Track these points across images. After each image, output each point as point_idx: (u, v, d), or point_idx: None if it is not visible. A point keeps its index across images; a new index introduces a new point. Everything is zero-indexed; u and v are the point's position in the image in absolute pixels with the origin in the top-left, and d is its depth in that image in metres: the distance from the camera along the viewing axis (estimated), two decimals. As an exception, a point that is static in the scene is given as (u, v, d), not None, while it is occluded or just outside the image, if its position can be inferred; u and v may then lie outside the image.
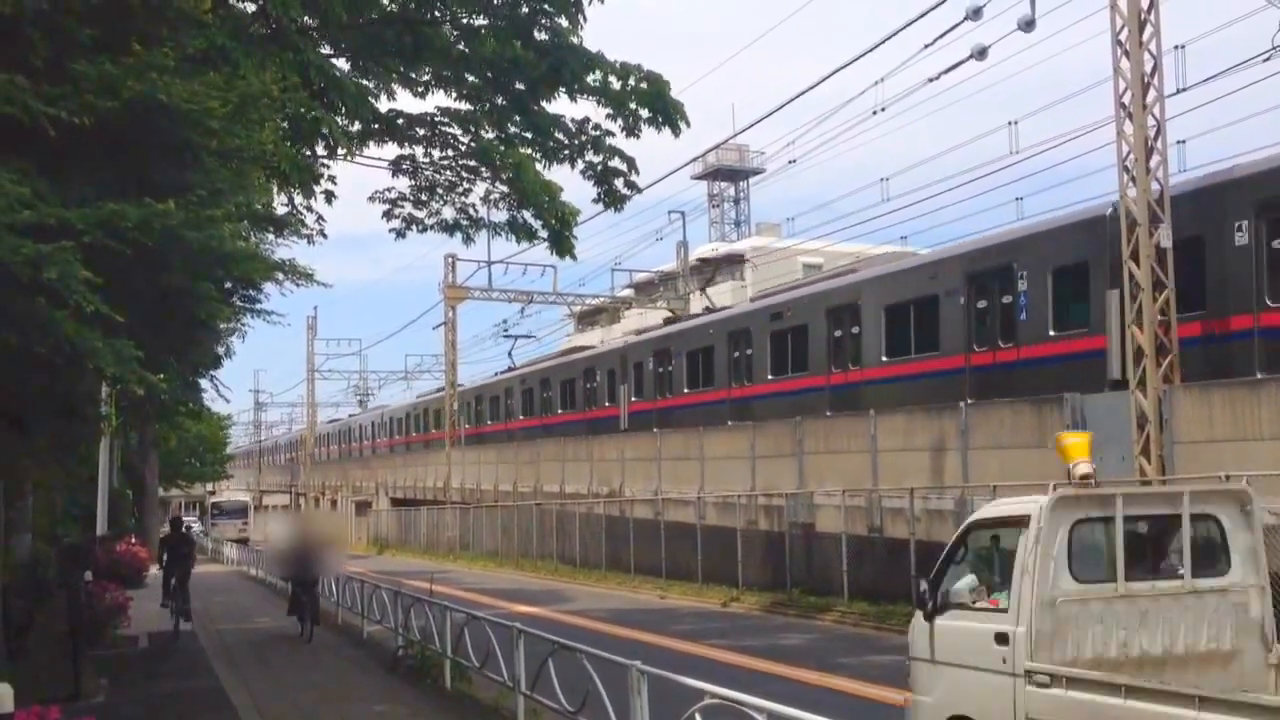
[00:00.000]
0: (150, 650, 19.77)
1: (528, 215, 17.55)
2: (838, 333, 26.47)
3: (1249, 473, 15.15)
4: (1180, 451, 16.81)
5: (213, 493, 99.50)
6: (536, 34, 15.12)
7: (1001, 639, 7.90)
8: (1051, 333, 20.91)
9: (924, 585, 8.90)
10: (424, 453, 61.78)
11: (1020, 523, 8.10)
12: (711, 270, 54.61)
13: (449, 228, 18.71)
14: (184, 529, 28.78)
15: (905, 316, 24.89)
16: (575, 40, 15.28)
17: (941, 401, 22.14)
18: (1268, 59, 20.07)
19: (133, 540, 37.68)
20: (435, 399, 59.00)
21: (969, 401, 21.27)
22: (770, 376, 29.08)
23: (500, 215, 18.19)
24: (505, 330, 57.63)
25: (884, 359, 24.85)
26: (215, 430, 76.69)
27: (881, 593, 22.17)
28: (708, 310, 37.76)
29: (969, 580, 8.63)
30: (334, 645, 19.61)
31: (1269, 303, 16.62)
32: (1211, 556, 8.42)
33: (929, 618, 8.79)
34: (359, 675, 16.11)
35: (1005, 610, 8.02)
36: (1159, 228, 17.18)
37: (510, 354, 55.18)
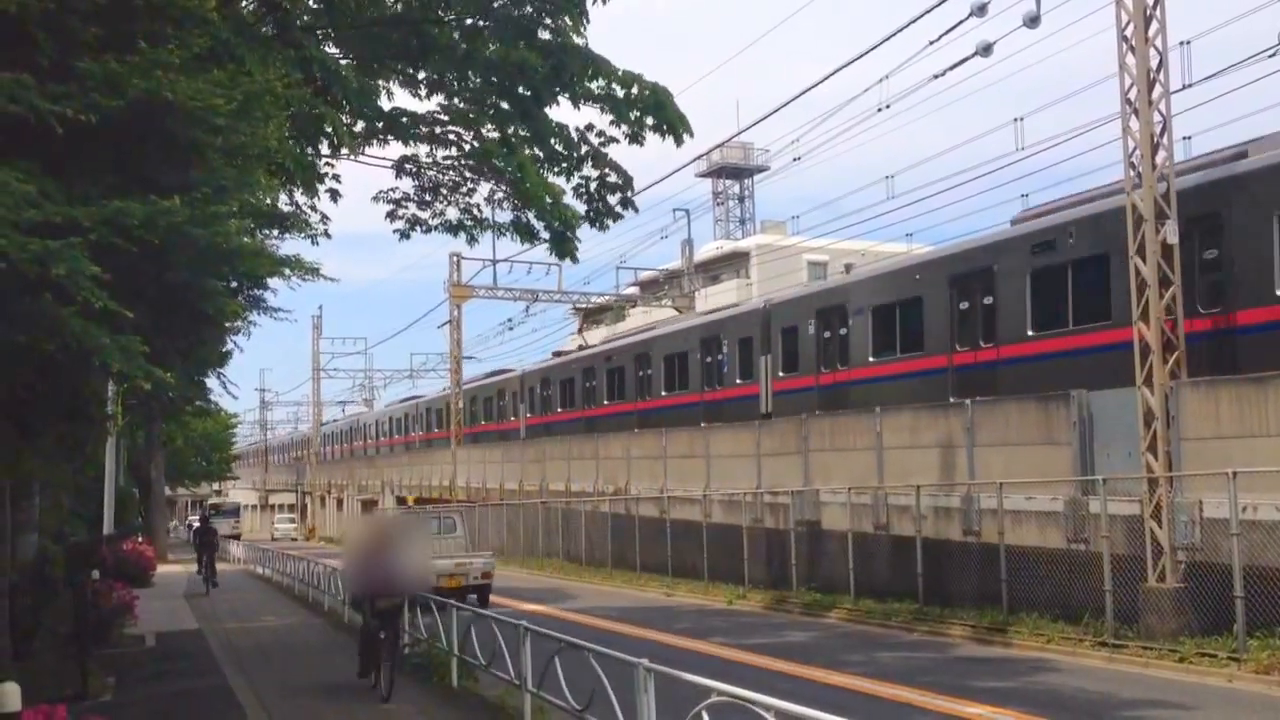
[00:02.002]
0: (157, 649, 19.78)
1: (530, 216, 17.55)
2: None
3: (1256, 469, 15.22)
4: (1187, 448, 16.78)
5: (219, 492, 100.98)
6: (540, 34, 15.11)
7: None
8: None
9: None
10: (430, 450, 61.80)
11: None
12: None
13: (453, 228, 18.70)
14: (210, 523, 38.50)
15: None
16: (579, 42, 15.27)
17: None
18: (1273, 55, 20.05)
19: (139, 539, 37.76)
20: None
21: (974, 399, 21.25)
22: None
23: (504, 216, 18.20)
24: (510, 327, 57.83)
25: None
26: (222, 429, 76.93)
27: (888, 590, 22.17)
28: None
29: None
30: (341, 644, 19.59)
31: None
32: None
33: None
34: (365, 673, 16.09)
35: None
36: (1165, 224, 17.14)
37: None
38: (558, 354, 52.11)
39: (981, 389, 21.82)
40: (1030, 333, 21.74)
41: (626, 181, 16.92)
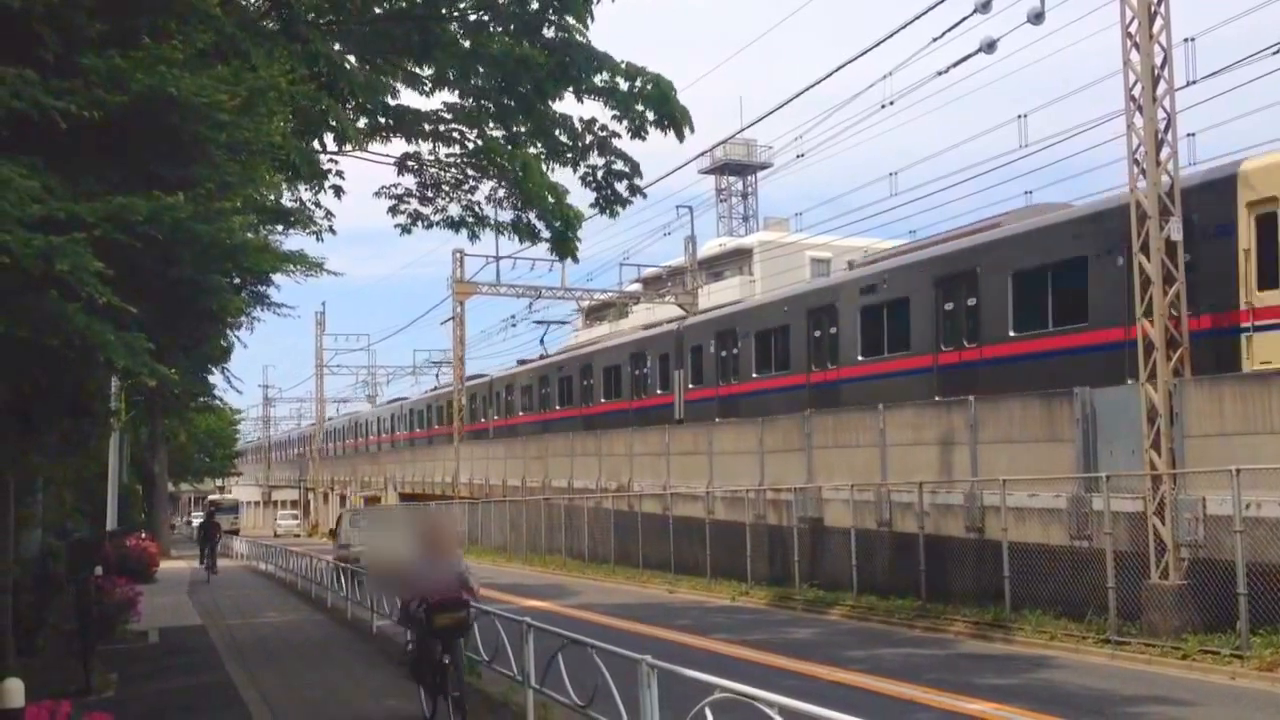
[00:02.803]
0: (160, 645, 19.80)
1: (532, 216, 17.55)
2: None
3: (1259, 466, 15.22)
4: (1190, 445, 16.78)
5: (221, 488, 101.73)
6: (545, 31, 15.10)
7: None
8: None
9: None
10: (433, 447, 61.90)
11: None
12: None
13: (454, 224, 18.72)
14: (214, 517, 43.31)
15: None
16: (583, 39, 15.26)
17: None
18: (1277, 52, 20.05)
19: (142, 535, 37.78)
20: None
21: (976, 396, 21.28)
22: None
23: (506, 214, 18.20)
24: (513, 323, 57.96)
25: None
26: (225, 425, 77.04)
27: (890, 587, 22.18)
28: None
29: None
30: (344, 640, 19.63)
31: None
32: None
33: None
34: (368, 670, 16.11)
35: None
36: (1169, 221, 17.13)
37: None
38: (521, 361, 55.80)
39: (830, 401, 27.29)
40: (860, 358, 26.98)
41: (634, 168, 16.93)
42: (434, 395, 68.68)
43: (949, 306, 23.92)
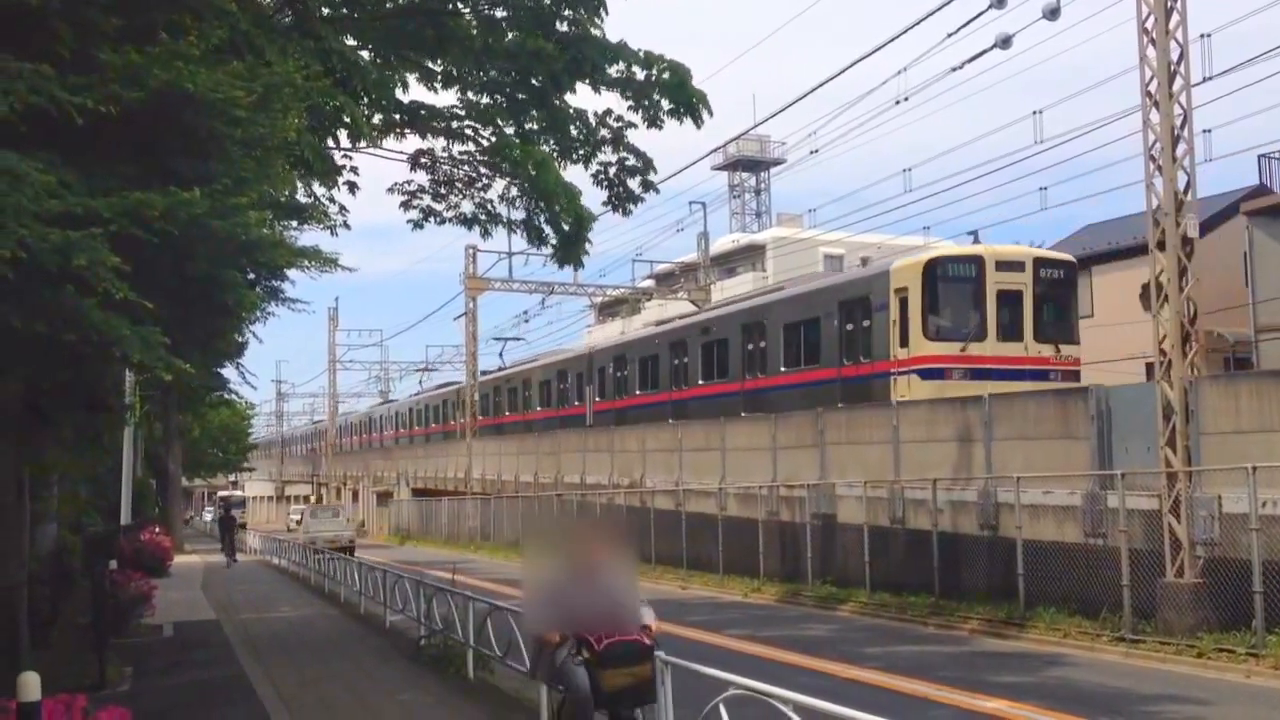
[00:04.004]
0: (175, 639, 19.86)
1: (541, 220, 17.53)
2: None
3: (1276, 464, 15.15)
4: (1206, 443, 16.71)
5: (234, 483, 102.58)
6: (558, 25, 15.09)
7: None
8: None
9: None
10: (446, 443, 62.03)
11: None
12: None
13: (466, 221, 18.74)
14: (230, 511, 51.65)
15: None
16: (597, 33, 15.24)
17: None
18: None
19: (156, 529, 37.90)
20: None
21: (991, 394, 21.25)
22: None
23: (518, 212, 18.21)
24: (526, 319, 58.49)
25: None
26: (238, 420, 77.26)
27: (904, 584, 22.13)
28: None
29: None
30: (357, 635, 19.67)
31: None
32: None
33: None
34: (382, 665, 16.14)
35: None
36: (1186, 217, 17.06)
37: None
38: (484, 372, 61.63)
39: (684, 413, 34.95)
40: (700, 381, 35.36)
41: (646, 164, 16.91)
42: (439, 393, 72.56)
43: (749, 347, 32.75)
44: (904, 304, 25.52)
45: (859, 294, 27.60)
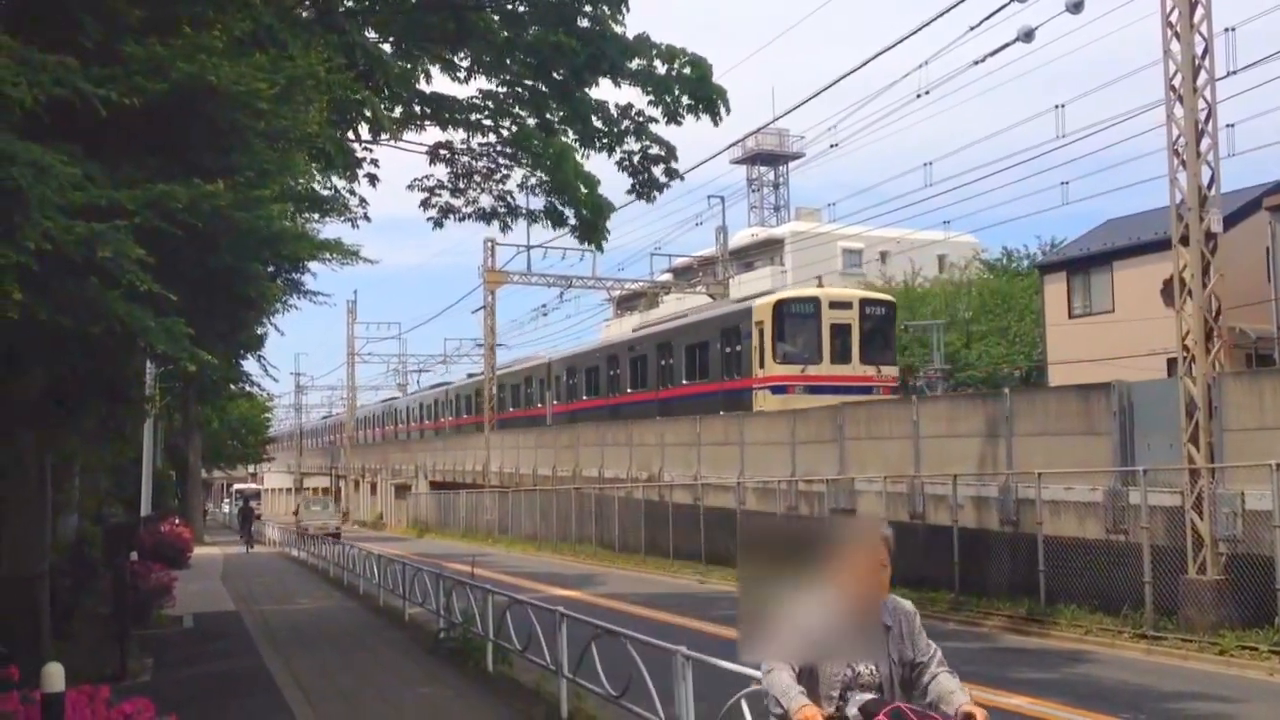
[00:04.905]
0: (195, 630, 19.94)
1: (561, 204, 17.55)
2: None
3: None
4: (1229, 439, 16.61)
5: (253, 474, 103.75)
6: (579, 21, 15.07)
7: None
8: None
9: None
10: (463, 436, 62.19)
11: None
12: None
13: (486, 216, 18.76)
14: (248, 503, 63.22)
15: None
16: (619, 28, 15.22)
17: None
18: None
19: (176, 521, 38.06)
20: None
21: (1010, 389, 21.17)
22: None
23: (537, 202, 18.21)
24: (544, 312, 58.66)
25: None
26: (258, 411, 77.53)
27: (924, 580, 22.04)
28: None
29: None
30: (376, 627, 19.71)
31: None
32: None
33: None
34: (401, 657, 16.17)
35: None
36: (1210, 212, 16.96)
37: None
38: (469, 375, 70.56)
39: (617, 416, 41.74)
40: (629, 390, 42.07)
41: (669, 151, 16.90)
42: (432, 392, 79.62)
43: (662, 363, 39.52)
44: (761, 334, 32.16)
45: (734, 324, 34.18)
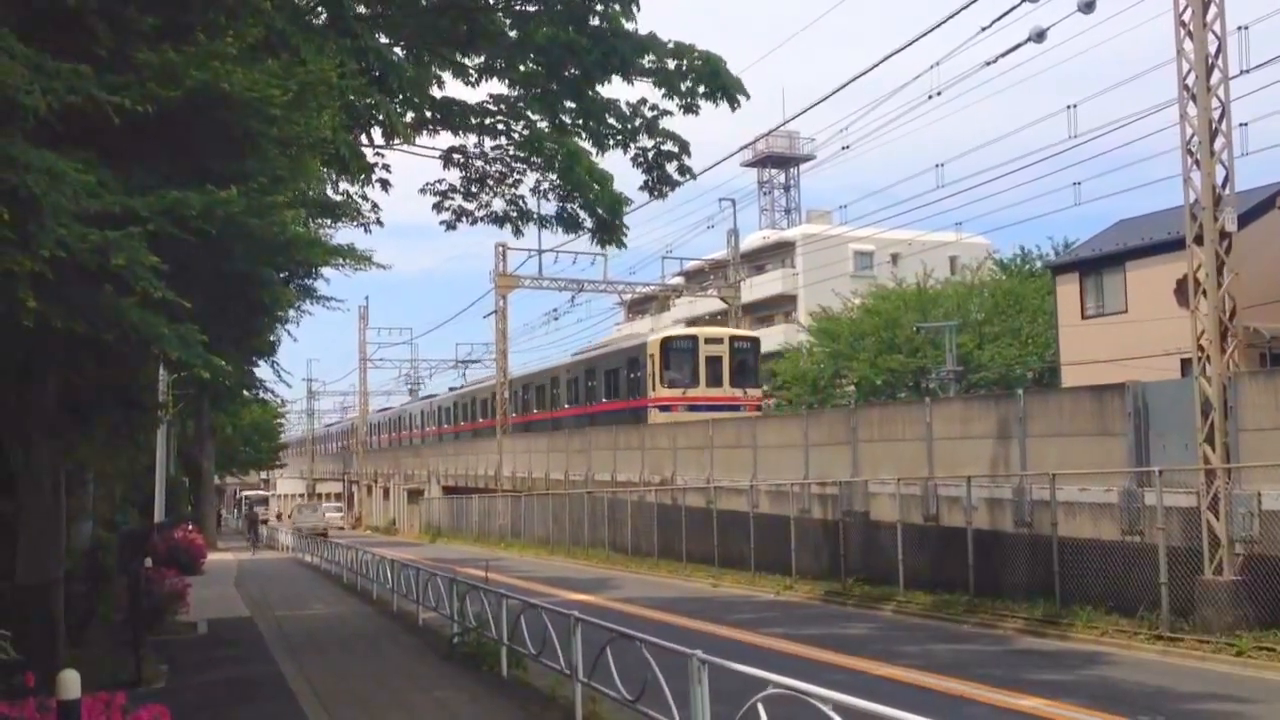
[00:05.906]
0: (209, 637, 19.97)
1: (575, 207, 17.55)
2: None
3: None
4: (1245, 439, 16.54)
5: (266, 481, 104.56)
6: (590, 20, 15.06)
7: None
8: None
9: None
10: (476, 441, 62.28)
11: None
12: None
13: (498, 220, 18.78)
14: (254, 509, 74.50)
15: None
16: (630, 26, 15.22)
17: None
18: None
19: (190, 527, 38.13)
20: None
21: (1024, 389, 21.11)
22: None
23: (550, 207, 18.23)
24: (555, 317, 59.20)
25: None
26: (270, 418, 77.75)
27: (938, 582, 21.99)
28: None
29: None
30: (391, 632, 19.71)
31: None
32: None
33: None
34: (416, 662, 16.17)
35: None
36: (1224, 211, 16.89)
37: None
38: (451, 388, 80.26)
39: (559, 429, 48.48)
40: (566, 405, 49.83)
41: (683, 147, 16.89)
42: (422, 402, 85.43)
43: (589, 385, 48.04)
44: (653, 364, 41.44)
45: (635, 356, 43.50)
